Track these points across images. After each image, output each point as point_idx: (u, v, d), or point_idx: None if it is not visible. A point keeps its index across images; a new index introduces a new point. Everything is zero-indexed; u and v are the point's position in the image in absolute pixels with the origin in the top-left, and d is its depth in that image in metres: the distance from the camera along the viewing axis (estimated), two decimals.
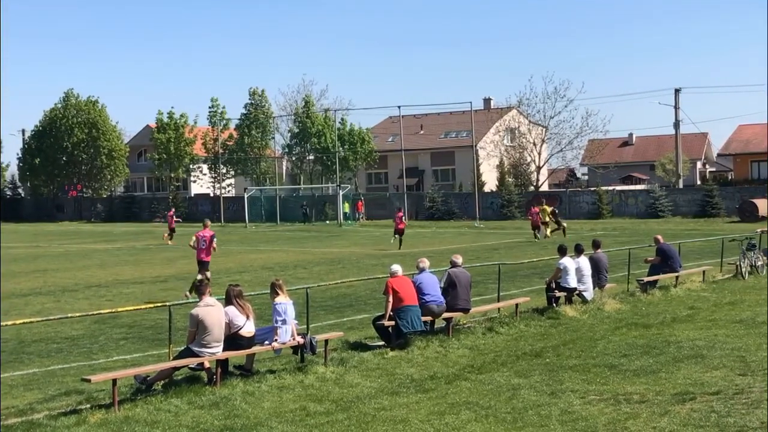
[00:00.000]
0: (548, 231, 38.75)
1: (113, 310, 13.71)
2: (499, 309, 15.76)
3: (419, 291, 13.53)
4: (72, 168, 75.79)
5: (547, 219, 39.18)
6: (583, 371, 11.18)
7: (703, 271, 20.55)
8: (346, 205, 57.66)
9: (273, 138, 71.86)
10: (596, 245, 18.10)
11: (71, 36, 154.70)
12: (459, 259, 14.77)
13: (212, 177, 71.35)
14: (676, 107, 60.00)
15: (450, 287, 14.16)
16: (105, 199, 74.54)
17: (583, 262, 16.73)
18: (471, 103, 58.31)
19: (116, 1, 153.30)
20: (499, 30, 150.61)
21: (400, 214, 35.42)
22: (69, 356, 13.51)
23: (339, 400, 10.06)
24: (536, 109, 65.85)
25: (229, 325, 11.24)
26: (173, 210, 47.11)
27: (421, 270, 13.99)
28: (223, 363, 11.10)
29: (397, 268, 13.65)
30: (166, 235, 39.90)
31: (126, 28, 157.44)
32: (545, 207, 39.94)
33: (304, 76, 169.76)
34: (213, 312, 11.02)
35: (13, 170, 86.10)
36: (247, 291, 12.31)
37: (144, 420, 9.39)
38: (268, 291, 12.22)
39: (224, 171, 70.51)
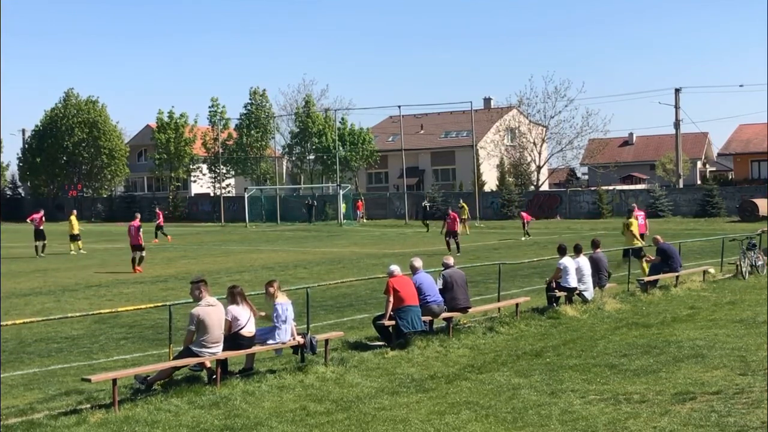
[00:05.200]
0: (467, 229, 41.48)
1: (113, 310, 13.69)
2: (499, 309, 15.76)
3: (419, 291, 13.51)
4: (72, 168, 75.87)
5: (466, 216, 41.89)
6: (583, 371, 11.18)
7: (704, 271, 20.54)
8: (344, 205, 57.63)
9: (273, 138, 71.94)
10: (595, 245, 18.10)
11: (71, 36, 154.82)
12: (450, 261, 14.79)
13: (212, 177, 71.38)
14: (677, 107, 60.00)
15: (447, 289, 14.14)
16: (105, 198, 74.60)
17: (583, 261, 16.72)
18: (471, 102, 58.51)
19: (116, 1, 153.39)
20: (499, 29, 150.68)
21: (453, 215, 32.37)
22: (69, 356, 13.51)
23: (339, 400, 10.05)
24: (536, 109, 65.97)
25: (231, 324, 11.23)
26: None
27: (416, 270, 13.96)
28: (223, 363, 11.09)
29: (395, 268, 13.65)
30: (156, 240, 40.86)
31: (126, 28, 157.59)
32: (463, 205, 42.99)
33: (304, 75, 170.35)
34: (213, 312, 11.00)
35: (13, 170, 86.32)
36: (248, 291, 12.30)
37: (144, 420, 9.39)
38: (265, 292, 12.20)
39: (224, 171, 70.52)
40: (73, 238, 34.80)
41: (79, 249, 34.82)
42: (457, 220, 32.23)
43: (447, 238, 31.47)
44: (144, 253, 27.03)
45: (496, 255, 28.48)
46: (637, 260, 21.25)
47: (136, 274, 25.78)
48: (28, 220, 37.17)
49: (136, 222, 27.37)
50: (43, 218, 34.80)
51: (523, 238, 36.75)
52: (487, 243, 35.53)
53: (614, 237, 35.50)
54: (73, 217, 35.50)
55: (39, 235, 33.69)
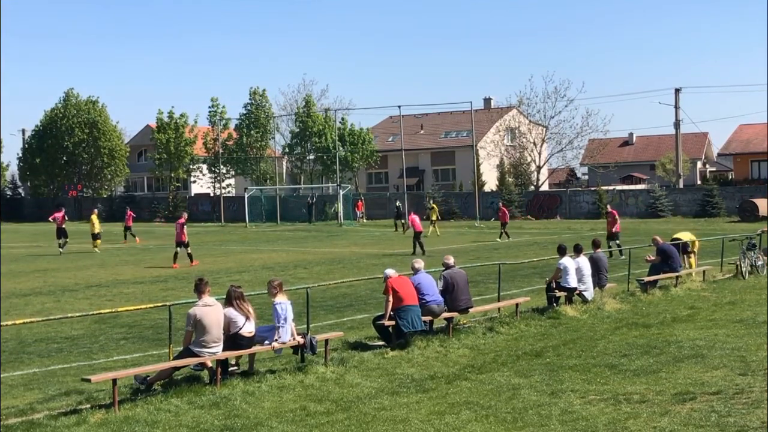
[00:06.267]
0: (437, 230, 41.15)
1: (113, 310, 13.69)
2: (499, 309, 15.76)
3: (418, 291, 13.51)
4: (72, 168, 75.85)
5: (435, 217, 41.75)
6: (583, 371, 11.18)
7: (704, 271, 20.56)
8: (338, 205, 57.54)
9: (273, 138, 71.92)
10: (596, 245, 18.13)
11: (71, 36, 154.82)
12: (451, 260, 14.77)
13: (212, 177, 71.36)
14: (677, 107, 60.00)
15: (448, 290, 14.13)
16: (105, 198, 74.51)
17: (583, 261, 16.72)
18: (471, 102, 58.49)
19: (116, 1, 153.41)
20: (499, 29, 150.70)
21: (412, 216, 32.60)
22: (69, 356, 13.51)
23: (339, 400, 10.05)
24: (536, 109, 66.07)
25: (229, 325, 11.23)
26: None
27: (417, 271, 13.97)
28: (223, 363, 11.09)
29: (391, 271, 13.65)
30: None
31: (126, 28, 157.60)
32: (433, 206, 43.03)
33: (304, 75, 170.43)
34: (211, 312, 11.00)
35: (13, 170, 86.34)
36: (247, 291, 12.30)
37: (144, 420, 9.39)
38: (268, 291, 12.20)
39: (224, 171, 70.50)
40: (96, 236, 35.74)
41: (94, 248, 35.44)
42: (416, 221, 31.69)
43: (414, 240, 31.11)
44: (179, 250, 28.14)
45: (496, 255, 28.48)
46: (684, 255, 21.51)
47: (135, 273, 25.79)
48: (50, 219, 38.45)
49: (182, 220, 28.92)
50: (65, 217, 36.41)
51: (508, 239, 36.25)
52: (487, 243, 35.52)
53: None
54: (94, 216, 36.49)
55: (61, 233, 34.96)
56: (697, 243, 22.18)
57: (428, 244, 32.37)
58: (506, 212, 38.38)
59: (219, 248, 36.42)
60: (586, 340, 13.36)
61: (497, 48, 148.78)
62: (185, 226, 28.52)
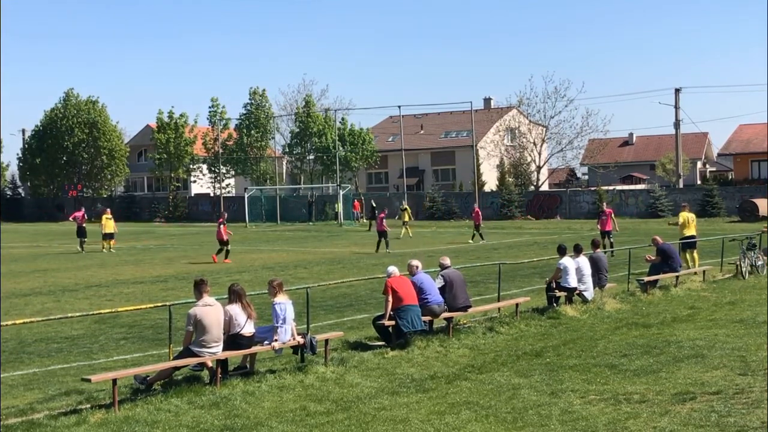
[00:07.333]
0: (410, 231, 41.19)
1: (113, 310, 13.69)
2: (499, 309, 15.75)
3: (420, 291, 13.51)
4: (72, 168, 75.85)
5: (407, 218, 42.01)
6: (583, 371, 11.17)
7: (704, 271, 20.56)
8: (337, 205, 57.54)
9: (273, 138, 71.94)
10: (595, 245, 18.14)
11: (71, 36, 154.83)
12: (447, 261, 14.78)
13: (212, 177, 71.36)
14: (677, 107, 60.00)
15: (446, 289, 14.13)
16: (105, 198, 74.48)
17: (583, 261, 16.72)
18: (471, 102, 58.60)
19: (116, 1, 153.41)
20: (499, 29, 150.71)
21: (382, 215, 33.46)
22: (69, 356, 13.51)
23: (339, 400, 10.05)
24: (536, 109, 66.08)
25: (230, 324, 11.23)
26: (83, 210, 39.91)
27: (417, 271, 13.96)
28: (223, 363, 11.09)
29: (393, 269, 13.66)
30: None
31: (126, 28, 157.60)
32: (406, 207, 43.41)
33: (304, 75, 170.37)
34: (211, 312, 11.00)
35: (13, 170, 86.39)
36: (248, 291, 12.29)
37: (144, 420, 9.39)
38: (268, 291, 12.20)
39: (224, 171, 70.49)
40: (106, 237, 35.95)
41: (110, 248, 35.60)
42: (381, 220, 32.59)
43: (378, 239, 32.22)
44: (229, 247, 29.82)
45: (496, 255, 28.48)
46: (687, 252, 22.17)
47: (135, 273, 25.80)
48: (70, 218, 40.07)
49: (221, 219, 30.80)
50: (85, 216, 37.42)
51: (482, 241, 35.56)
52: (487, 243, 35.50)
53: (614, 237, 35.46)
54: (104, 216, 36.46)
55: (81, 232, 35.89)
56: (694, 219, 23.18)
57: (429, 244, 32.36)
58: (479, 214, 37.65)
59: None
60: (586, 340, 13.36)
61: (497, 48, 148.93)
62: (221, 225, 29.85)
